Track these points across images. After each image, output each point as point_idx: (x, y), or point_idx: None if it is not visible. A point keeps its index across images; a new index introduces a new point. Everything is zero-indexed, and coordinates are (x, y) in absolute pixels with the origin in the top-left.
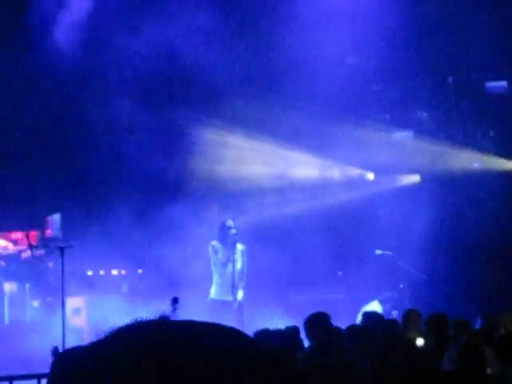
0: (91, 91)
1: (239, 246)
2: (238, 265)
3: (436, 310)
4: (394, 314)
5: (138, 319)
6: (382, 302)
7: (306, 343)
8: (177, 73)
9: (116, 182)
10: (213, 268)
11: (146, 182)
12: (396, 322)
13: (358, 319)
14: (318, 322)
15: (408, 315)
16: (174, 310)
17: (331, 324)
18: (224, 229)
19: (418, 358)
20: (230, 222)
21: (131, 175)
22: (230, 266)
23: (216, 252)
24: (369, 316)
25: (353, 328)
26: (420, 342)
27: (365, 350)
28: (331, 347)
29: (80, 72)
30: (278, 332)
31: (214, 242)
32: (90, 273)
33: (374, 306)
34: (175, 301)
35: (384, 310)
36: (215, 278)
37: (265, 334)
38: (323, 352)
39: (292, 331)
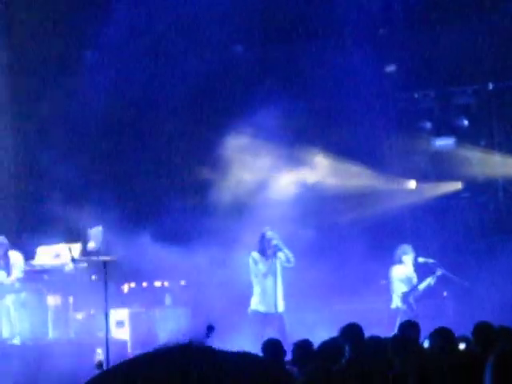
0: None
1: (280, 256)
2: (279, 276)
3: (480, 317)
4: (439, 272)
5: (165, 344)
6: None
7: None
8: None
9: (158, 193)
10: (253, 279)
11: (187, 192)
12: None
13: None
14: (350, 333)
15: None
16: (208, 337)
17: (363, 335)
18: (264, 240)
19: (463, 361)
20: (269, 233)
21: (175, 185)
22: (270, 277)
23: (256, 263)
24: (408, 327)
25: (396, 338)
26: (462, 346)
27: (408, 360)
28: (369, 357)
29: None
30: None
31: (254, 254)
32: (132, 285)
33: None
34: (210, 329)
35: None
36: (256, 290)
37: (306, 345)
38: (360, 362)
39: (335, 341)
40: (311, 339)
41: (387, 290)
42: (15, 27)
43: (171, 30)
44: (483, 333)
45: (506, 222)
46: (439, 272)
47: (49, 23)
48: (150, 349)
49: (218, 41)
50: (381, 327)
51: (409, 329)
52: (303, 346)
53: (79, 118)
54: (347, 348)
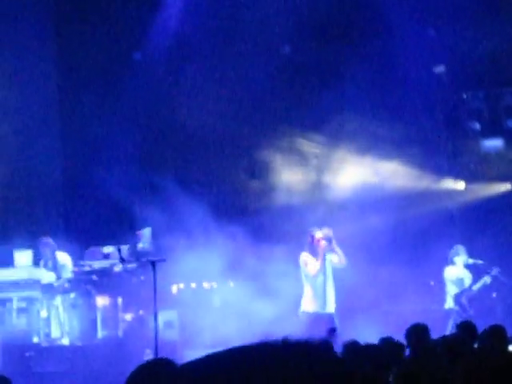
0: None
1: (332, 257)
2: (329, 276)
3: None
4: (495, 271)
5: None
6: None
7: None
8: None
9: (205, 195)
10: (304, 280)
11: (234, 193)
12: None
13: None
14: (416, 333)
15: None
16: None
17: (429, 335)
18: (313, 241)
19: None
20: (319, 234)
21: (220, 187)
22: (320, 277)
23: (306, 264)
24: (463, 328)
25: (447, 338)
26: (511, 347)
27: (457, 361)
28: (429, 358)
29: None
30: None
31: (305, 254)
32: (181, 286)
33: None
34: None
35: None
36: (306, 290)
37: (354, 345)
38: (419, 363)
39: (385, 342)
40: (364, 339)
41: (437, 291)
42: (64, 38)
43: (221, 33)
44: None
45: None
46: (495, 271)
47: (98, 31)
48: (198, 350)
49: (269, 42)
50: (432, 328)
51: (465, 329)
52: (351, 347)
53: (132, 122)
54: (408, 348)
